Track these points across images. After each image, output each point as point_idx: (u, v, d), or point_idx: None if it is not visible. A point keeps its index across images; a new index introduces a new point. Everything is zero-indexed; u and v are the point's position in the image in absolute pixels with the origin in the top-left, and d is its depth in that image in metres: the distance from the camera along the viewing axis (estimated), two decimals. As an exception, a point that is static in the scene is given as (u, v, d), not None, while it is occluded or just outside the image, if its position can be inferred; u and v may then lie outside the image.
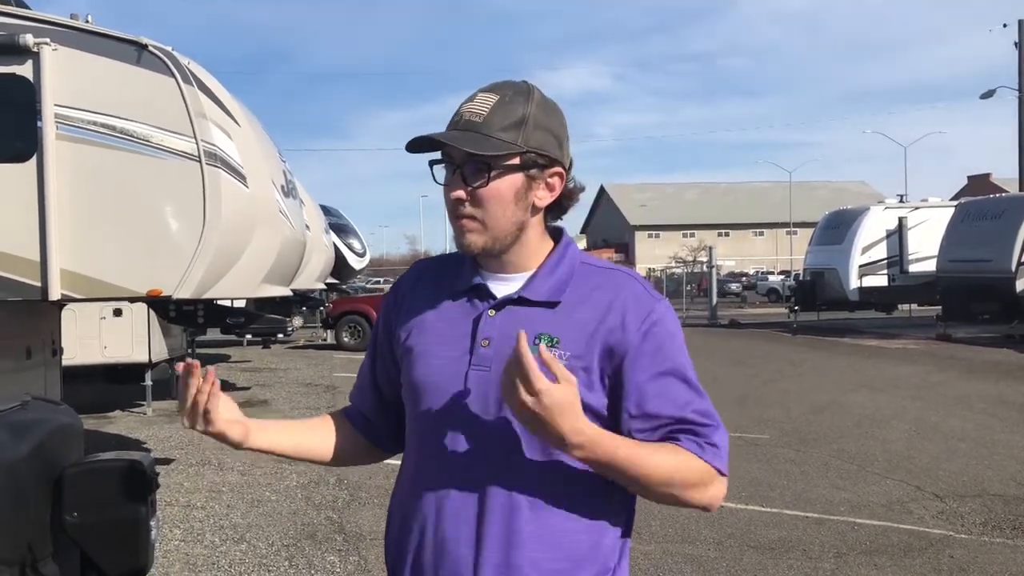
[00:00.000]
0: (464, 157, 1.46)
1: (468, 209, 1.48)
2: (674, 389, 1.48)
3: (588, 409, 1.43)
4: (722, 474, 1.49)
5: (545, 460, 1.46)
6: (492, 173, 1.46)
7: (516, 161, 1.47)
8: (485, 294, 1.53)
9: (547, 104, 1.53)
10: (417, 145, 1.49)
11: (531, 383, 1.31)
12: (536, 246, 1.55)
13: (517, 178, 1.48)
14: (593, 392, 1.46)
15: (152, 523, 2.05)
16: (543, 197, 1.52)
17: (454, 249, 1.62)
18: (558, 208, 1.56)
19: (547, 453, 1.46)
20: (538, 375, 1.31)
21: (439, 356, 1.52)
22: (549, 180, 1.52)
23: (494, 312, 1.51)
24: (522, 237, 1.52)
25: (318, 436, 1.69)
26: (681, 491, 1.46)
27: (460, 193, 1.47)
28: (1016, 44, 30.06)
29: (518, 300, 1.51)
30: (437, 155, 1.52)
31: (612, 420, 1.48)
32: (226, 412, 1.53)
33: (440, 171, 1.53)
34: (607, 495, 1.50)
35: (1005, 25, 31.20)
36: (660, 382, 1.47)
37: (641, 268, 64.52)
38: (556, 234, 1.59)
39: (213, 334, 15.40)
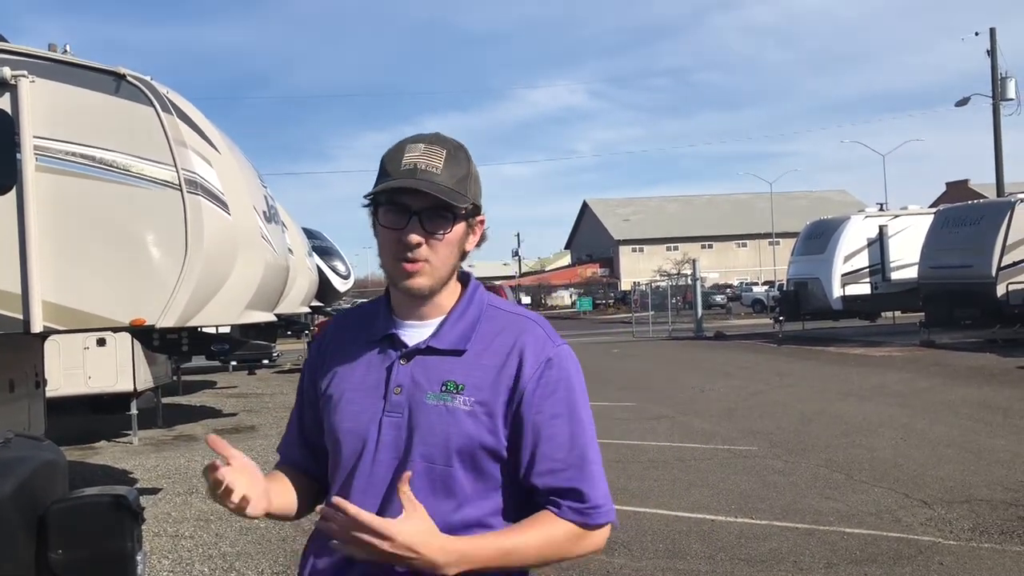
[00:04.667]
0: (427, 204, 1.55)
1: (424, 252, 1.57)
2: (563, 433, 1.58)
3: (489, 451, 1.56)
4: (603, 526, 1.60)
5: (451, 504, 1.55)
6: (454, 222, 1.59)
7: (463, 211, 1.60)
8: (397, 343, 1.64)
9: (473, 159, 1.67)
10: (383, 190, 1.57)
11: (380, 533, 1.40)
12: (452, 289, 1.67)
13: (462, 227, 1.62)
14: (496, 436, 1.57)
15: (138, 557, 2.03)
16: (472, 242, 1.67)
17: None
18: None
19: (453, 497, 1.55)
20: (383, 524, 1.41)
21: (356, 403, 1.62)
22: (476, 228, 1.67)
23: (405, 361, 1.61)
24: (450, 279, 1.65)
25: (292, 494, 1.74)
26: (558, 557, 1.59)
27: (421, 238, 1.57)
28: (988, 52, 30.47)
29: (426, 349, 1.61)
30: (376, 198, 1.60)
31: (513, 461, 1.59)
32: (253, 488, 1.55)
33: (383, 213, 1.59)
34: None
35: (977, 33, 31.64)
36: (553, 423, 1.58)
37: (626, 282, 64.65)
38: (464, 278, 1.71)
39: (198, 361, 15.32)
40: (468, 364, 1.59)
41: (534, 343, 1.60)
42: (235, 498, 1.50)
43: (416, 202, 1.56)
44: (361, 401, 1.61)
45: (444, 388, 1.57)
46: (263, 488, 1.57)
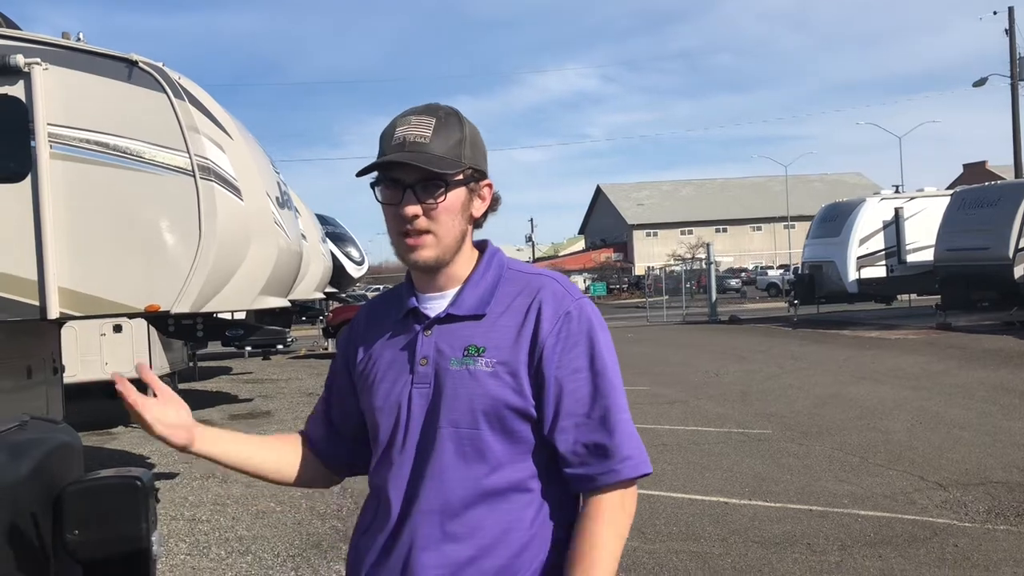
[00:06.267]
0: (418, 176, 1.55)
1: (423, 223, 1.57)
2: (585, 387, 1.58)
3: (516, 410, 1.56)
4: (636, 479, 1.58)
5: (483, 468, 1.56)
6: (447, 189, 1.57)
7: (461, 177, 1.60)
8: (420, 316, 1.65)
9: (472, 124, 1.66)
10: (370, 167, 1.59)
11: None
12: (468, 257, 1.67)
13: (462, 192, 1.61)
14: (521, 395, 1.56)
15: (153, 538, 2.05)
16: (479, 208, 1.66)
17: None
18: (481, 217, 1.69)
19: (484, 462, 1.56)
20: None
21: (388, 380, 1.65)
22: (482, 192, 1.66)
23: (428, 332, 1.63)
24: (462, 247, 1.64)
25: (273, 455, 1.79)
26: (625, 536, 1.59)
27: (417, 209, 1.57)
28: (1007, 31, 30.12)
29: (446, 318, 1.62)
30: (377, 175, 1.62)
31: (540, 418, 1.58)
32: (170, 417, 1.63)
33: (381, 191, 1.62)
34: (536, 504, 1.59)
35: (995, 12, 31.27)
36: (575, 378, 1.57)
37: (640, 267, 64.51)
38: (481, 245, 1.72)
39: (214, 347, 15.43)
40: (488, 326, 1.59)
41: (552, 298, 1.60)
42: (148, 418, 1.60)
43: (408, 175, 1.56)
44: (392, 378, 1.63)
45: (466, 353, 1.57)
46: (189, 423, 1.64)
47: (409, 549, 1.55)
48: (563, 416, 1.56)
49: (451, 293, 1.64)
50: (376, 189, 1.62)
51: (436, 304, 1.64)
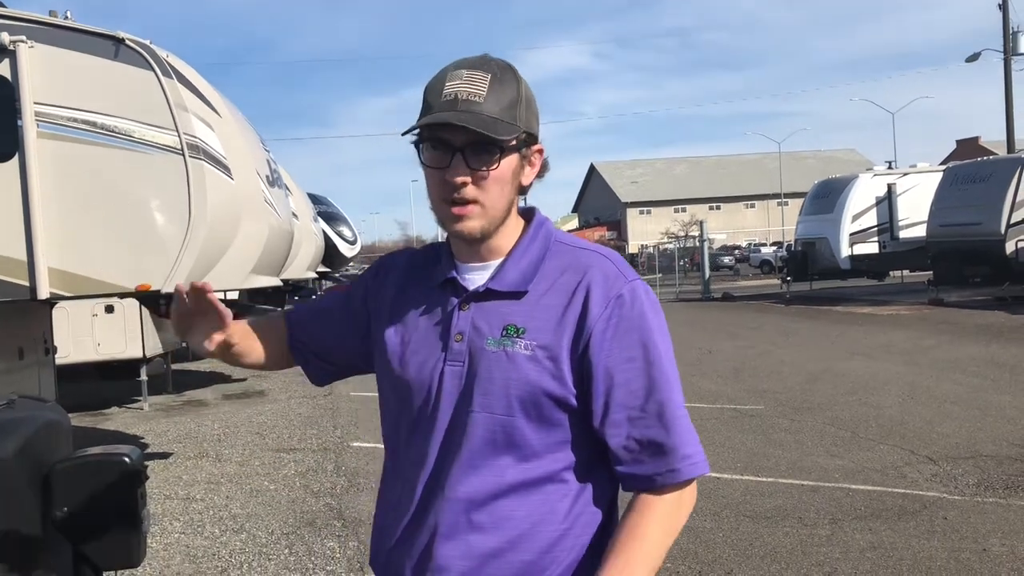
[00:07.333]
0: (469, 139, 1.41)
1: (471, 192, 1.44)
2: (639, 378, 1.45)
3: (554, 398, 1.44)
4: (694, 479, 1.48)
5: (514, 457, 1.46)
6: (501, 156, 1.44)
7: (515, 142, 1.45)
8: (458, 288, 1.52)
9: (526, 81, 1.51)
10: (417, 126, 1.46)
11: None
12: (513, 227, 1.53)
13: (515, 159, 1.47)
14: (561, 382, 1.44)
15: (142, 515, 2.06)
16: (529, 175, 1.52)
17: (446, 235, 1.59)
18: (529, 185, 1.56)
19: (517, 450, 1.46)
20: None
21: (420, 353, 1.53)
22: (533, 158, 1.52)
23: (465, 306, 1.50)
24: (508, 218, 1.51)
25: (256, 351, 1.77)
26: (675, 536, 1.50)
27: (466, 176, 1.43)
28: (1000, 5, 30.01)
29: (485, 293, 1.50)
30: (420, 134, 1.47)
31: (583, 410, 1.46)
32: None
33: (426, 151, 1.48)
34: (572, 497, 1.49)
35: (989, -13, 31.09)
36: (627, 368, 1.45)
37: (634, 245, 64.54)
38: (528, 214, 1.58)
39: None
40: (530, 306, 1.47)
41: (603, 279, 1.46)
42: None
43: (458, 137, 1.41)
44: (426, 352, 1.51)
45: (505, 333, 1.45)
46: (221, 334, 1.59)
47: (432, 536, 1.46)
48: (614, 409, 1.44)
49: (493, 265, 1.51)
50: (420, 149, 1.46)
51: (476, 276, 1.52)
